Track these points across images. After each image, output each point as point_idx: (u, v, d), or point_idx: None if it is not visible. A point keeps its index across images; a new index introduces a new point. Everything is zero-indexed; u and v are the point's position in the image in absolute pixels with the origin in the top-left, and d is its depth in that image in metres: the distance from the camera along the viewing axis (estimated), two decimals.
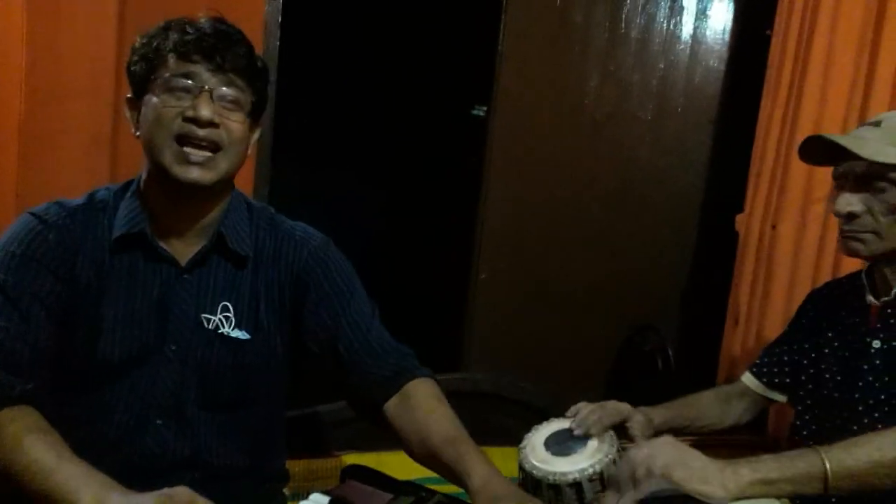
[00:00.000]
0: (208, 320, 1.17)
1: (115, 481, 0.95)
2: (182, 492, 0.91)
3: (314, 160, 2.95)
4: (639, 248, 2.39)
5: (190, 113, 1.08)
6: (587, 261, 2.36)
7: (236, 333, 1.18)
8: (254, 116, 1.17)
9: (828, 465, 1.08)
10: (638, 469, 1.09)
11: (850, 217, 1.33)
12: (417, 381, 1.21)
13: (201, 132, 1.08)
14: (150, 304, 1.15)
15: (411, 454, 1.18)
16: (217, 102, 1.10)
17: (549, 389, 1.95)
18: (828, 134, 1.38)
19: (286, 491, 1.35)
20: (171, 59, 1.08)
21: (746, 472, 1.08)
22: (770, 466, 1.09)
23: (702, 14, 2.43)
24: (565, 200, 2.35)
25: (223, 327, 1.17)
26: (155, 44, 1.10)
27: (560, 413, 1.43)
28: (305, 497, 1.11)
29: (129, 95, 1.15)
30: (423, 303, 2.71)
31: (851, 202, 1.32)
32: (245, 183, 1.95)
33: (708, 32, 2.44)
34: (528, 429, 1.40)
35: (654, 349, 2.27)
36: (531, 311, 2.34)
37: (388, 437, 1.26)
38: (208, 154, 1.10)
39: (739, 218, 2.15)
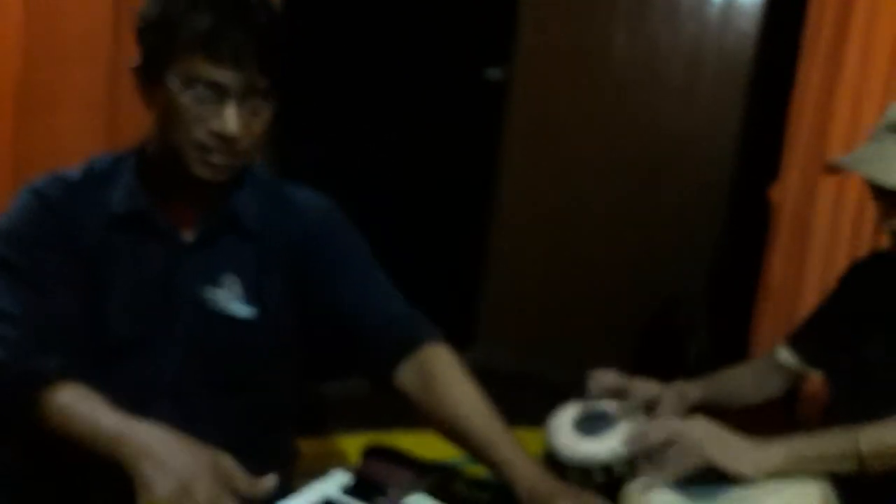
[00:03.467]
0: (214, 297, 1.13)
1: (162, 426, 0.96)
2: (231, 466, 0.92)
3: (322, 127, 2.86)
4: (665, 218, 2.33)
5: (216, 127, 1.03)
6: (611, 231, 2.30)
7: (242, 312, 1.14)
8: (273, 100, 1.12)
9: (863, 445, 1.09)
10: (673, 444, 1.09)
11: None
12: (430, 352, 1.15)
13: (226, 147, 1.05)
14: (155, 281, 1.12)
15: (444, 438, 1.14)
16: (244, 111, 1.04)
17: (573, 367, 1.89)
18: (851, 158, 1.33)
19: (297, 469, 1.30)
20: (197, 58, 1.01)
21: (780, 449, 1.09)
22: (804, 445, 1.11)
23: None
24: (588, 167, 2.29)
25: (228, 305, 1.13)
26: (176, 26, 1.01)
27: (584, 392, 1.37)
28: (323, 475, 1.07)
29: (137, 66, 1.08)
30: (437, 275, 2.64)
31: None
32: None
33: None
34: (550, 408, 1.35)
35: (683, 325, 2.20)
36: (550, 285, 2.29)
37: (400, 415, 1.21)
38: (231, 159, 1.07)
39: (774, 187, 2.07)
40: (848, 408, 1.39)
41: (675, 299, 2.30)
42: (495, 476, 1.07)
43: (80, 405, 0.98)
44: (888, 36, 1.87)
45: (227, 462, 0.93)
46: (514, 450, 1.05)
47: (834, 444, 1.10)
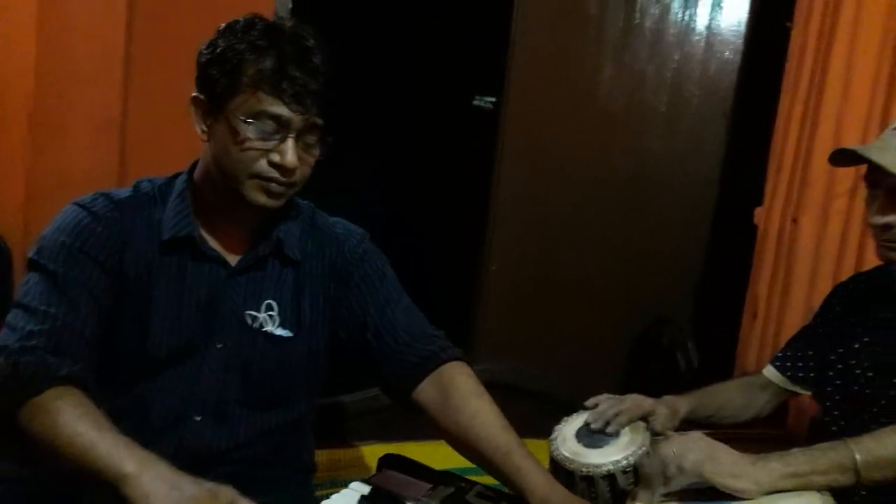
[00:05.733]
0: (253, 318, 1.17)
1: (158, 457, 0.94)
2: (227, 492, 0.91)
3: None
4: (652, 241, 2.37)
5: (276, 159, 1.09)
6: (600, 253, 2.34)
7: (280, 332, 1.19)
8: None
9: (858, 456, 1.10)
10: (669, 466, 1.10)
11: (886, 228, 1.32)
12: (450, 368, 1.21)
13: (284, 178, 1.10)
14: (198, 302, 1.15)
15: (457, 451, 1.19)
16: (300, 145, 1.10)
17: (570, 382, 1.93)
18: (856, 147, 1.36)
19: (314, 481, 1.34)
20: (262, 93, 1.07)
21: (777, 465, 1.09)
22: (801, 460, 1.11)
23: (717, 5, 2.41)
24: (577, 192, 2.33)
25: (267, 325, 1.18)
26: (242, 63, 1.07)
27: (581, 406, 1.42)
28: (339, 485, 1.11)
29: (197, 95, 1.12)
30: (432, 294, 2.67)
31: (886, 215, 1.31)
32: None
33: (723, 24, 2.42)
34: (548, 421, 1.40)
35: (672, 342, 2.25)
36: (542, 304, 2.32)
37: (411, 427, 1.24)
38: (285, 188, 1.12)
39: (758, 211, 2.14)
40: (838, 426, 1.44)
41: (665, 317, 2.35)
42: (507, 485, 1.11)
43: (80, 417, 0.96)
44: (869, 67, 1.94)
45: (229, 494, 0.93)
46: (527, 459, 1.09)
47: (830, 457, 1.10)
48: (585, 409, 1.41)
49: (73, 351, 1.05)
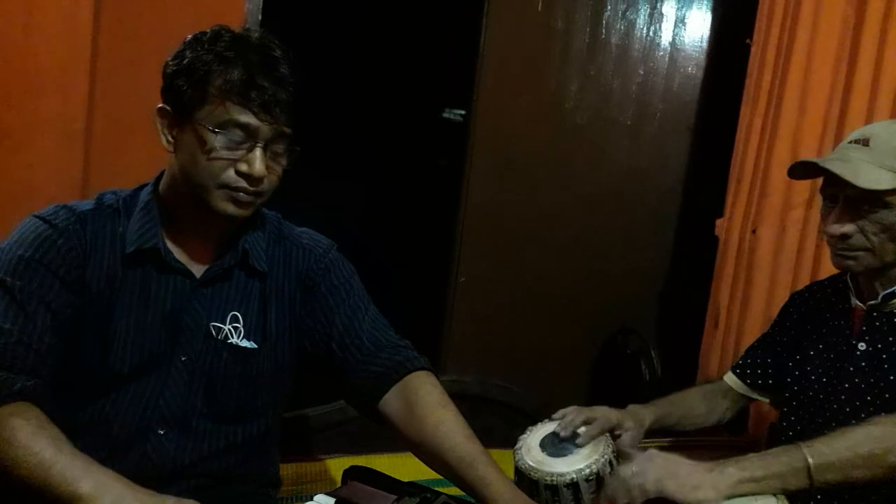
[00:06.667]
0: (218, 330, 1.17)
1: (117, 473, 0.94)
2: None
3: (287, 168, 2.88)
4: (618, 252, 2.41)
5: (244, 168, 1.08)
6: (567, 264, 2.37)
7: (245, 343, 1.18)
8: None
9: (810, 459, 1.14)
10: (632, 489, 1.12)
11: (843, 238, 1.34)
12: (415, 378, 1.21)
13: (252, 187, 1.10)
14: (163, 315, 1.14)
15: (422, 461, 1.19)
16: (268, 155, 1.10)
17: (537, 392, 1.95)
18: (816, 159, 1.39)
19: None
20: (230, 104, 1.06)
21: (734, 471, 1.13)
22: (756, 464, 1.14)
23: (680, 22, 2.47)
24: (545, 204, 2.36)
25: (232, 337, 1.17)
26: (209, 74, 1.07)
27: (548, 416, 1.44)
28: (305, 499, 1.10)
29: (163, 106, 1.12)
30: (401, 306, 2.68)
31: (844, 224, 1.33)
32: None
33: (686, 40, 2.48)
34: (516, 431, 1.41)
35: (637, 352, 2.28)
36: (511, 315, 2.34)
37: (377, 439, 1.25)
38: (253, 198, 1.12)
39: (719, 222, 2.18)
40: (794, 431, 1.47)
41: (628, 328, 2.39)
42: (471, 495, 1.12)
43: (34, 434, 0.95)
44: (824, 82, 1.99)
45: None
46: (491, 468, 1.10)
47: (783, 461, 1.14)
48: (551, 419, 1.42)
49: (29, 367, 1.03)
